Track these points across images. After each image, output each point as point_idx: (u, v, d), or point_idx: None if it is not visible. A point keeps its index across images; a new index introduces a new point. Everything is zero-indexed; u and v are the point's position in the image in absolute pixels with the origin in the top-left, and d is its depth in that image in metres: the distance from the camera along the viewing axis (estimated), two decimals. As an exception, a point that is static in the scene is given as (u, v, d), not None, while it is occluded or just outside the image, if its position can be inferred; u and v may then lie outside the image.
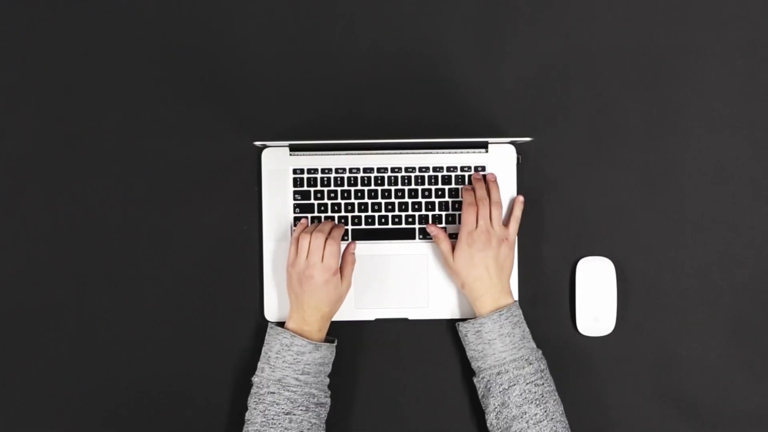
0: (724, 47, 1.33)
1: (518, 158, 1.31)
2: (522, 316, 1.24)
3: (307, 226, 1.28)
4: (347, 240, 1.30)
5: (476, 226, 1.24)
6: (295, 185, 1.31)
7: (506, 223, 1.28)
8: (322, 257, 1.21)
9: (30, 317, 1.31)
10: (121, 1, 1.33)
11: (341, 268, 1.25)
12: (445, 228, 1.29)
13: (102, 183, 1.32)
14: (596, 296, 1.31)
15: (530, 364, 1.20)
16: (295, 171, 1.31)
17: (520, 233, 1.31)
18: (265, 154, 1.31)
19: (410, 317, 1.31)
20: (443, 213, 1.30)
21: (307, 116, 1.33)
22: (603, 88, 1.33)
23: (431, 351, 1.32)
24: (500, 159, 1.31)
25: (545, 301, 1.32)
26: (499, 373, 1.20)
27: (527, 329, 1.24)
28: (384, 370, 1.32)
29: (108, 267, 1.32)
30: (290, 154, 1.30)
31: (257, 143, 1.26)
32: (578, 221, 1.33)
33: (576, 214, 1.33)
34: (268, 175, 1.31)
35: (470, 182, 1.30)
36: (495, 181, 1.29)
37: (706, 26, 1.33)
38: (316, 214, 1.30)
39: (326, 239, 1.22)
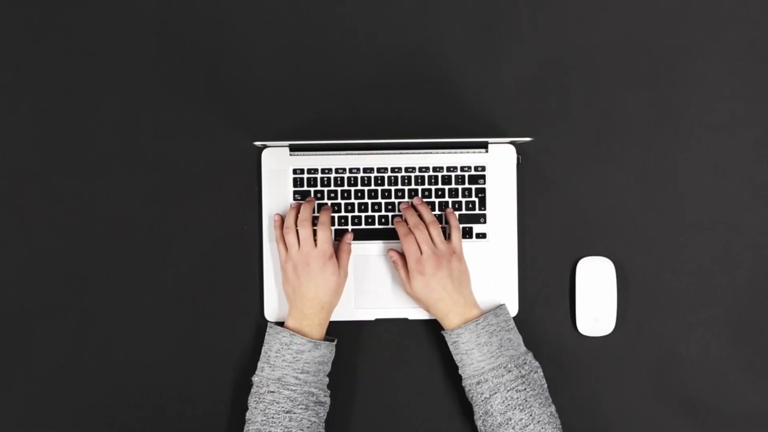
0: (724, 47, 1.33)
1: (518, 158, 1.31)
2: (503, 324, 1.23)
3: (282, 220, 1.27)
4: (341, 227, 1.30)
5: (421, 252, 1.23)
6: (295, 185, 1.31)
7: (448, 237, 1.28)
8: (315, 244, 1.22)
9: (30, 317, 1.31)
10: (121, 1, 1.33)
11: (338, 258, 1.25)
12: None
13: (102, 183, 1.32)
14: (596, 296, 1.31)
15: (509, 371, 1.19)
16: (295, 171, 1.31)
17: (520, 233, 1.31)
18: (265, 154, 1.31)
19: (410, 317, 1.31)
20: (443, 213, 1.30)
21: (307, 116, 1.33)
22: (603, 88, 1.33)
23: (431, 351, 1.32)
24: (500, 159, 1.31)
25: (545, 301, 1.32)
26: (478, 383, 1.20)
27: (508, 336, 1.22)
28: (384, 370, 1.32)
29: (108, 267, 1.32)
30: (290, 154, 1.30)
31: (257, 143, 1.26)
32: (578, 221, 1.33)
33: (576, 214, 1.33)
34: (268, 175, 1.31)
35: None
36: (422, 202, 1.29)
37: (706, 26, 1.33)
38: (316, 213, 1.30)
39: (313, 226, 1.23)
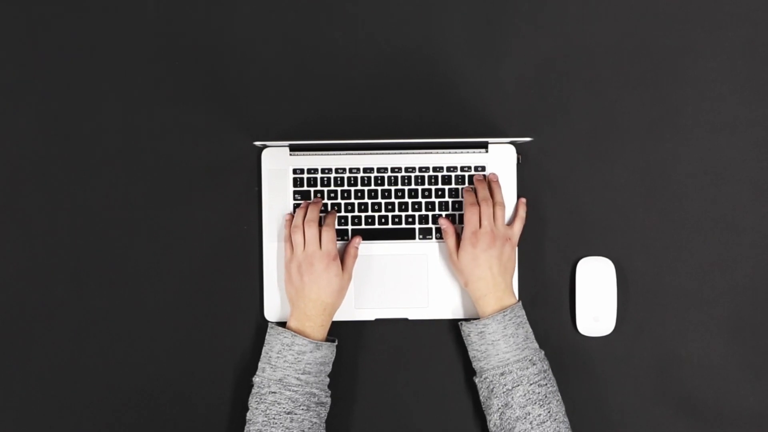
0: (724, 47, 1.33)
1: (518, 158, 1.31)
2: (525, 316, 1.24)
3: (293, 219, 1.28)
4: (345, 227, 1.30)
5: (480, 226, 1.24)
6: (295, 185, 1.31)
7: (510, 223, 1.28)
8: (320, 245, 1.22)
9: (30, 317, 1.31)
10: (121, 1, 1.33)
11: (343, 261, 1.25)
12: (455, 223, 1.29)
13: (102, 183, 1.32)
14: (596, 296, 1.31)
15: (534, 364, 1.20)
16: (295, 171, 1.31)
17: (521, 233, 1.31)
18: (265, 154, 1.31)
19: (410, 317, 1.31)
20: (443, 213, 1.30)
21: (307, 116, 1.33)
22: (603, 88, 1.33)
23: (431, 351, 1.32)
24: (500, 159, 1.31)
25: (545, 301, 1.32)
26: (502, 374, 1.20)
27: (530, 330, 1.24)
28: (384, 370, 1.32)
29: (108, 267, 1.31)
30: (290, 154, 1.30)
31: (257, 143, 1.26)
32: (578, 221, 1.33)
33: (576, 214, 1.33)
34: (268, 175, 1.31)
35: (471, 182, 1.30)
36: (497, 181, 1.29)
37: (706, 26, 1.33)
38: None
39: (320, 227, 1.23)
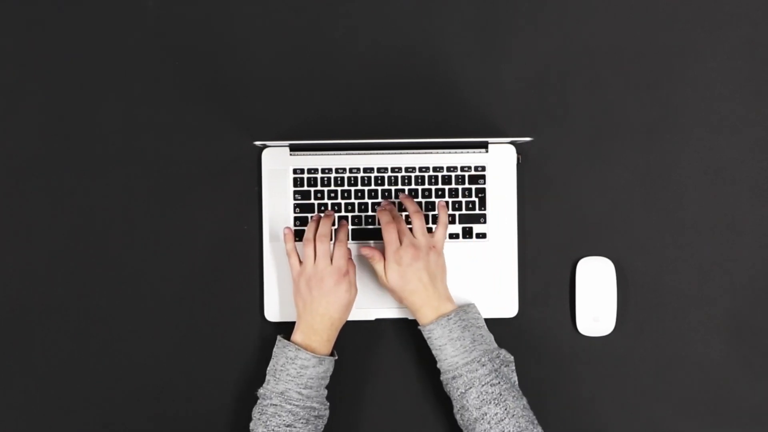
0: (724, 47, 1.33)
1: (518, 158, 1.31)
2: (474, 319, 1.22)
3: (293, 234, 1.26)
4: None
5: (400, 243, 1.23)
6: (295, 185, 1.31)
7: (432, 231, 1.26)
8: (331, 260, 1.21)
9: (30, 317, 1.31)
10: (121, 2, 1.33)
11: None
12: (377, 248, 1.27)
13: (102, 183, 1.32)
14: (596, 296, 1.31)
15: (483, 365, 1.19)
16: (295, 171, 1.31)
17: (520, 233, 1.31)
18: (265, 154, 1.31)
19: (410, 317, 1.31)
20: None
21: (307, 116, 1.33)
22: (603, 88, 1.33)
23: (431, 351, 1.32)
24: (500, 159, 1.31)
25: (545, 301, 1.32)
26: (454, 378, 1.20)
27: (482, 331, 1.22)
28: (384, 370, 1.32)
29: (108, 267, 1.32)
30: (290, 154, 1.30)
31: (257, 143, 1.26)
32: (578, 221, 1.33)
33: (576, 214, 1.33)
34: (268, 175, 1.31)
35: (469, 182, 1.30)
36: (406, 196, 1.28)
37: (706, 26, 1.33)
38: (316, 214, 1.30)
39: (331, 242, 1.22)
